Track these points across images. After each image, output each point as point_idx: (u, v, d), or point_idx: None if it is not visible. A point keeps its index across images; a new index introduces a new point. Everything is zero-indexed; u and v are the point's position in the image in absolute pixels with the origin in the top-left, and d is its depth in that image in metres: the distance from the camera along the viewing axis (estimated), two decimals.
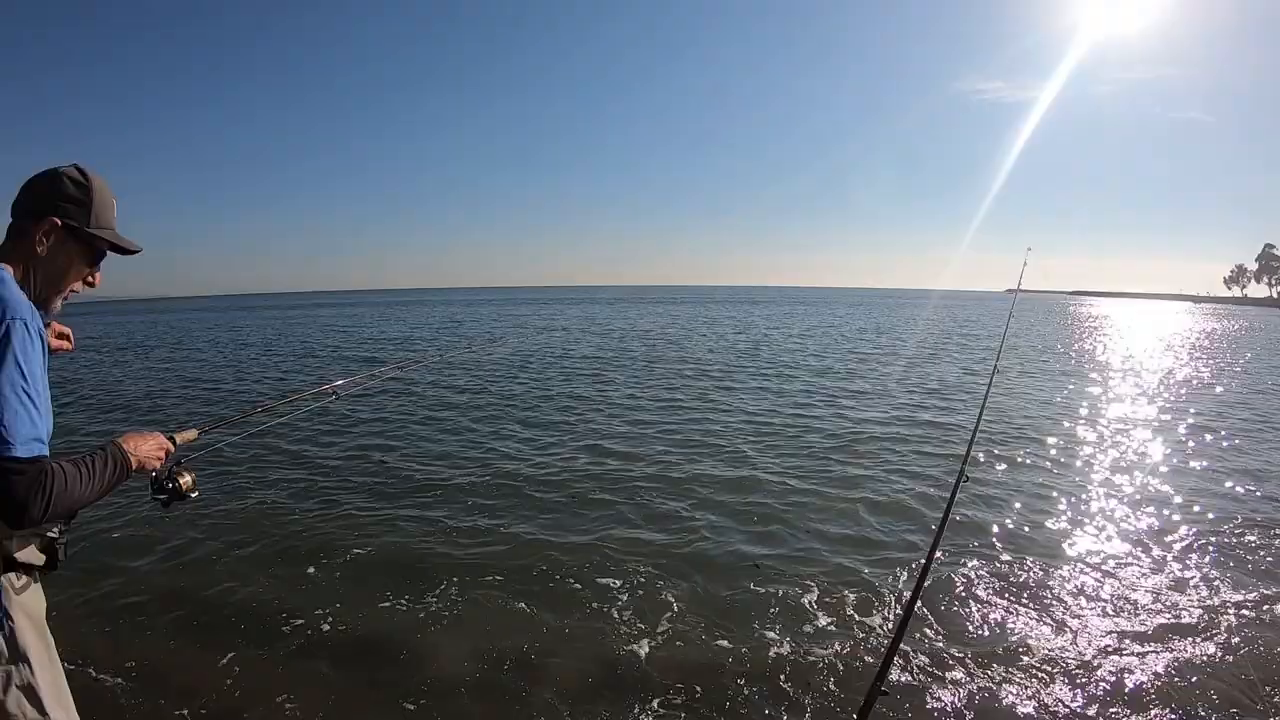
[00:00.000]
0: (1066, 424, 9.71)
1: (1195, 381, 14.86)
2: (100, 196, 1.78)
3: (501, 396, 11.46)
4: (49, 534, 1.70)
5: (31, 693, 1.63)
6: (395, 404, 10.86)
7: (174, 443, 1.99)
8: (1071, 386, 13.11)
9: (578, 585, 4.56)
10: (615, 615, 4.17)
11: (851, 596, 4.40)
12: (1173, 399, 12.23)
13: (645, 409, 10.12)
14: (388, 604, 4.36)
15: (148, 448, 1.85)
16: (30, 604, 1.66)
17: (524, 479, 6.84)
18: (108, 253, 1.85)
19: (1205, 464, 7.77)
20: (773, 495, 6.27)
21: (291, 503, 6.48)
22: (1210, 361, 19.48)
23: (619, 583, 4.57)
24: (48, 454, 1.55)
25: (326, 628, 4.06)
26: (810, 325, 31.30)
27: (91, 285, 1.84)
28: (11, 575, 1.61)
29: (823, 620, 4.14)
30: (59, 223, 1.72)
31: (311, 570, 4.84)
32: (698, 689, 3.44)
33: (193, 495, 2.02)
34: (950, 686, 3.44)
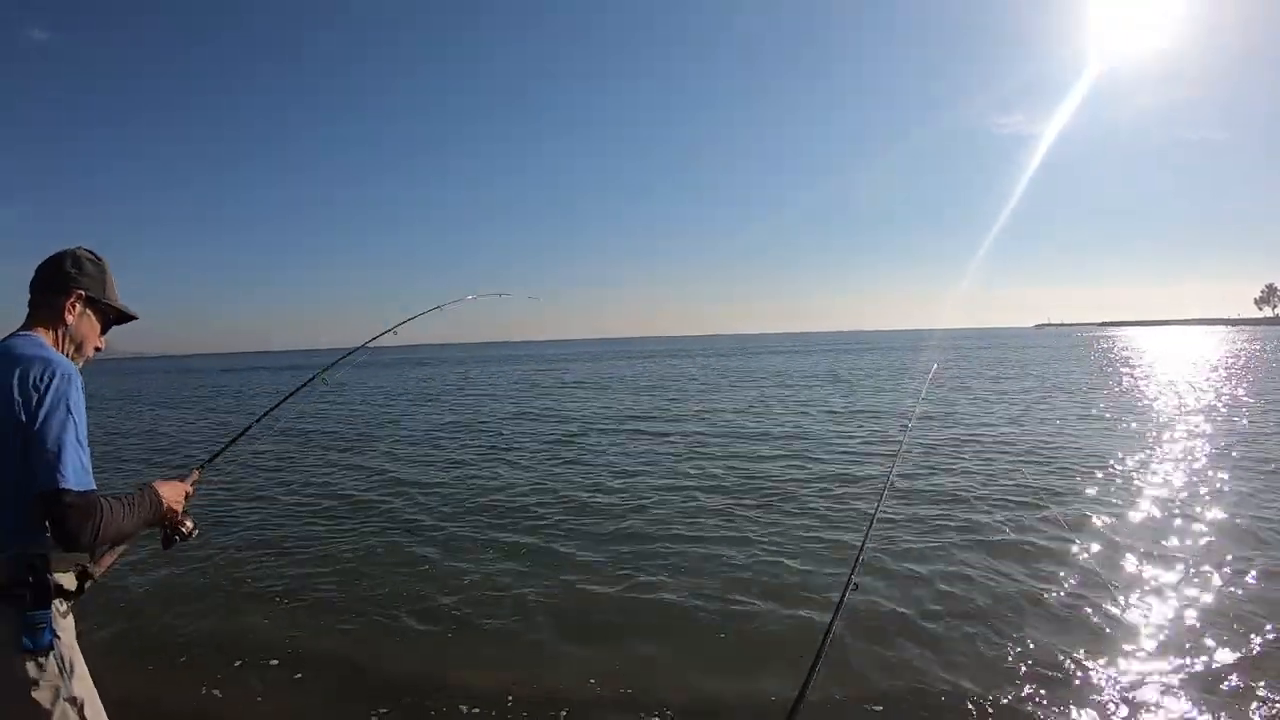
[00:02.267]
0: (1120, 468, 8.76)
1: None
2: (109, 274, 2.08)
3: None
4: (85, 565, 1.91)
5: (76, 704, 1.83)
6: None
7: (190, 485, 2.27)
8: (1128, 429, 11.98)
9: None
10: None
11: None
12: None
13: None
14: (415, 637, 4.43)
15: (173, 493, 2.14)
16: (69, 626, 1.88)
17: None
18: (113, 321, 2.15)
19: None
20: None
21: (297, 537, 6.59)
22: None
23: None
24: (95, 488, 1.81)
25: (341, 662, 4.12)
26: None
27: (99, 350, 2.10)
28: (58, 601, 1.83)
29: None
30: (84, 294, 2.00)
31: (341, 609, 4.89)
32: None
33: (194, 536, 2.25)
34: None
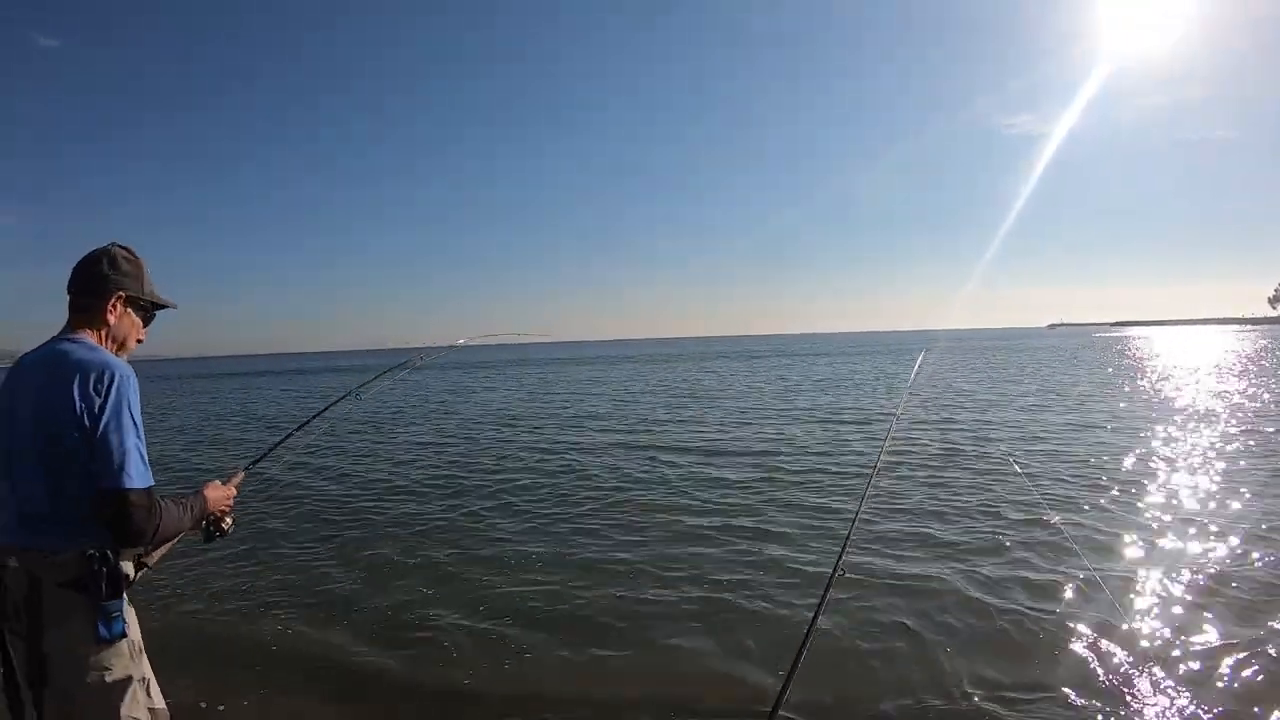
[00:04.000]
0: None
1: None
2: (145, 267, 2.13)
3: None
4: (140, 555, 2.03)
5: (146, 684, 1.97)
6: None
7: (235, 487, 2.38)
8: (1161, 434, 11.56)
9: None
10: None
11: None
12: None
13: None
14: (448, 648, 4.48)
15: (219, 496, 2.27)
16: (133, 611, 2.00)
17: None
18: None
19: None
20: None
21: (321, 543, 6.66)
22: None
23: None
24: (153, 483, 1.91)
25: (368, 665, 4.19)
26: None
27: (140, 341, 2.16)
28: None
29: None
30: (123, 295, 2.06)
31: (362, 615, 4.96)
32: None
33: (229, 532, 2.38)
34: None
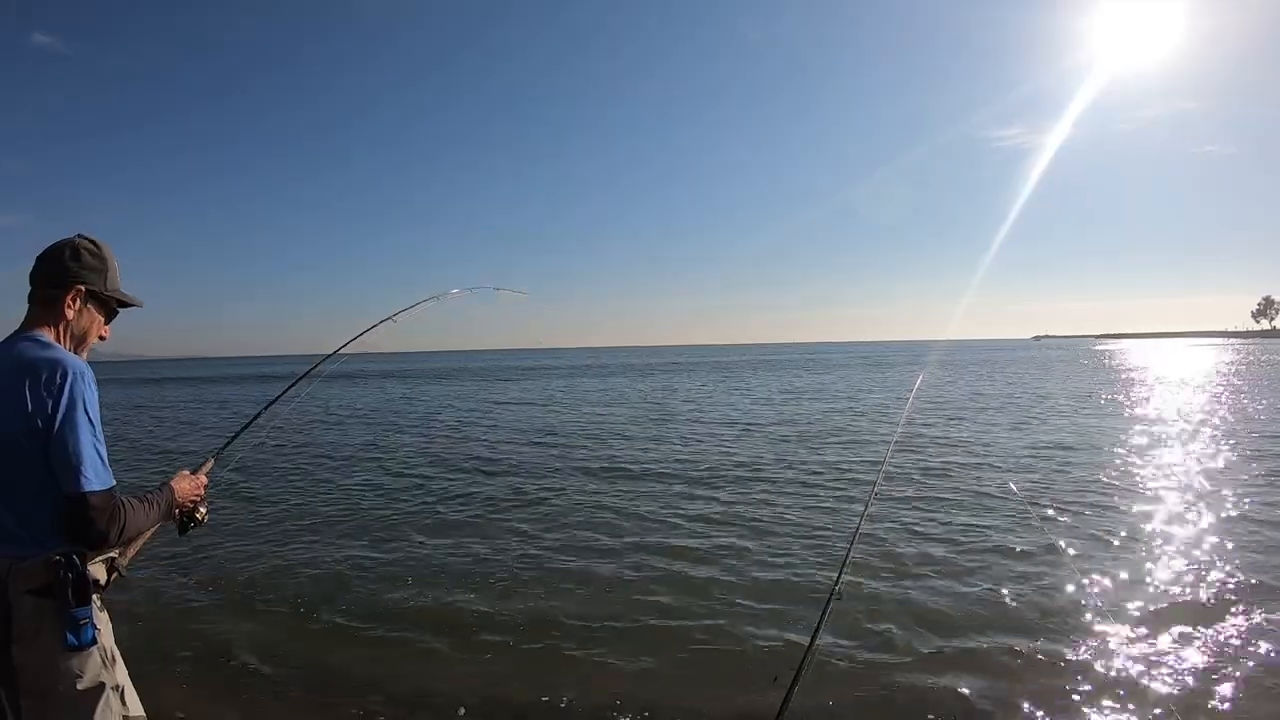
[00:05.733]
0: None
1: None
2: (111, 262, 2.04)
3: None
4: (113, 558, 1.99)
5: (120, 691, 1.91)
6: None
7: (205, 476, 2.35)
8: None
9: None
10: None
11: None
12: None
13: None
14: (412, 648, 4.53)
15: (188, 487, 2.21)
16: (105, 618, 1.95)
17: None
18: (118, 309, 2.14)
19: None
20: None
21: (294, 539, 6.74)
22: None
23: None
24: (114, 483, 1.86)
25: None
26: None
27: (103, 339, 2.09)
28: (95, 596, 1.88)
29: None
30: (83, 289, 1.96)
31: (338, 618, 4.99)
32: None
33: (205, 521, 2.33)
34: None
